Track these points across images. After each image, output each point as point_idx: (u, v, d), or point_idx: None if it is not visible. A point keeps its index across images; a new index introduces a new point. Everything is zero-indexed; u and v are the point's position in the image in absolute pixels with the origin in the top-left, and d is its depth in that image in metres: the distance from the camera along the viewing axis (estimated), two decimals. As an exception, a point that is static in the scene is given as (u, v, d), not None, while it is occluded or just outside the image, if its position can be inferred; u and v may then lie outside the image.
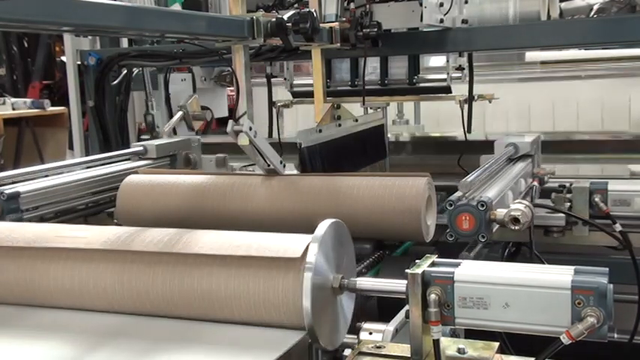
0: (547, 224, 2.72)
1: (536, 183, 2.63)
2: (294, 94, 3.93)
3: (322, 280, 1.47)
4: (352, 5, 2.93)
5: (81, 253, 1.66)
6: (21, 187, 2.45)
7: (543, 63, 4.34)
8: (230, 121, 2.15)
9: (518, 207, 1.90)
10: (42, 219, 2.52)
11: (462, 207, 1.89)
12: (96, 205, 2.80)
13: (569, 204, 2.66)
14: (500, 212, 1.91)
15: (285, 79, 3.88)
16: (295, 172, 2.72)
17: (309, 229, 1.50)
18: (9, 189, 2.39)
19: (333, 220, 1.52)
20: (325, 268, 1.47)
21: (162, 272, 1.58)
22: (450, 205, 1.90)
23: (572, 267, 1.36)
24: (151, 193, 2.52)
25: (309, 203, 2.28)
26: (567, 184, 2.74)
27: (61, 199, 2.60)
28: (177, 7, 3.61)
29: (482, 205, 1.88)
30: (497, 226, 1.97)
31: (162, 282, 1.57)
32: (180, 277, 1.56)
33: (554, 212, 2.67)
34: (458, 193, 1.99)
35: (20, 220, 2.36)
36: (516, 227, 1.89)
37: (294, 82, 3.92)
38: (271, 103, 3.92)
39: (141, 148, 3.12)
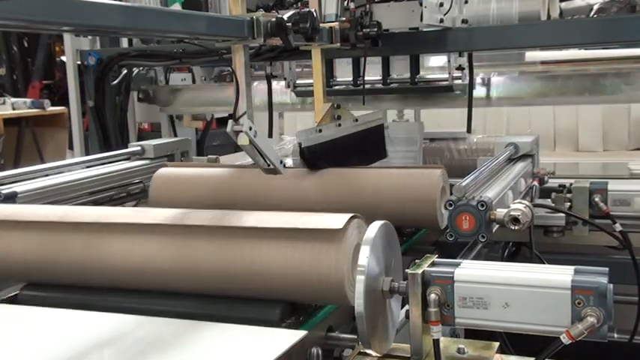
0: (547, 224, 2.72)
1: (536, 183, 2.63)
2: (297, 94, 3.92)
3: (373, 283, 1.43)
4: (352, 5, 2.92)
5: (140, 227, 1.81)
6: (18, 187, 2.45)
7: (543, 63, 4.34)
8: (230, 121, 2.15)
9: (518, 207, 1.90)
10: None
11: (462, 207, 1.89)
12: (94, 205, 2.80)
13: (569, 204, 2.66)
14: (500, 212, 1.91)
15: (284, 78, 3.87)
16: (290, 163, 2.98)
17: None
18: (6, 189, 2.39)
19: (383, 222, 1.49)
20: (376, 271, 1.45)
21: (217, 244, 1.71)
22: (450, 205, 1.90)
23: (572, 267, 1.36)
24: (181, 185, 2.61)
25: (331, 194, 2.38)
26: (567, 184, 2.74)
27: (59, 199, 2.60)
28: (177, 7, 3.60)
29: (483, 205, 1.87)
30: (497, 226, 1.97)
31: (217, 253, 1.70)
32: (233, 250, 1.69)
33: (554, 212, 2.67)
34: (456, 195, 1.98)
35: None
36: (516, 227, 1.89)
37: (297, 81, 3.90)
38: (271, 103, 3.91)
39: (138, 148, 3.13)
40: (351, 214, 1.62)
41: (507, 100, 3.53)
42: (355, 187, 2.41)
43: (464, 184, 1.95)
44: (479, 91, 3.51)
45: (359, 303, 1.37)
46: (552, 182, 2.77)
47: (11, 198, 2.37)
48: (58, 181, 2.63)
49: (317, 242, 1.60)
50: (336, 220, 1.60)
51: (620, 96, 3.29)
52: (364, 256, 1.40)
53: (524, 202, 1.94)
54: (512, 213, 1.89)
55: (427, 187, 2.28)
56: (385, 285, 1.47)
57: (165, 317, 1.63)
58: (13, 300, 1.91)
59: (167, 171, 2.70)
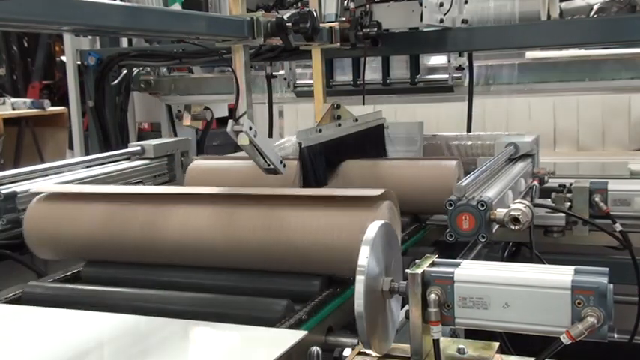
0: (547, 224, 2.72)
1: (536, 183, 2.63)
2: (297, 94, 3.92)
3: (374, 283, 1.43)
4: (352, 5, 2.92)
5: (195, 198, 2.04)
6: (18, 187, 2.45)
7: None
8: (230, 121, 2.15)
9: (518, 207, 1.90)
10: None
11: (462, 207, 1.89)
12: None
13: (569, 204, 2.66)
14: (500, 212, 1.91)
15: (285, 78, 3.88)
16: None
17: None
18: (6, 189, 2.39)
19: (383, 222, 1.49)
20: (376, 271, 1.44)
21: (261, 219, 1.91)
22: (450, 205, 1.90)
23: (572, 267, 1.36)
24: (215, 177, 2.69)
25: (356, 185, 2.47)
26: (567, 184, 2.74)
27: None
28: (177, 7, 3.60)
29: (483, 205, 1.87)
30: (497, 226, 1.97)
31: (261, 228, 1.89)
32: (276, 222, 1.89)
33: (554, 212, 2.67)
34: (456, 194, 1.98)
35: (17, 220, 2.37)
36: (516, 227, 1.89)
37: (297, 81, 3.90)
38: (271, 104, 3.91)
39: (138, 148, 3.13)
40: (384, 189, 1.86)
41: (507, 87, 3.52)
42: (380, 176, 2.62)
43: (464, 184, 1.95)
44: (478, 80, 3.50)
45: (359, 303, 1.37)
46: (552, 182, 2.77)
47: (11, 198, 2.37)
48: (58, 181, 2.62)
49: (356, 210, 1.84)
50: (372, 191, 1.86)
51: (620, 82, 3.30)
52: (364, 256, 1.40)
53: (524, 202, 1.94)
54: (512, 213, 1.89)
55: (445, 176, 2.50)
56: (385, 285, 1.46)
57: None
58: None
59: (201, 163, 2.81)
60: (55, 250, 2.15)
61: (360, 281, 1.38)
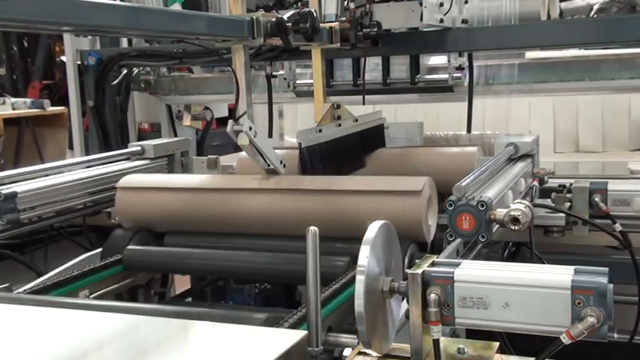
0: (547, 224, 2.72)
1: (536, 183, 2.63)
2: (297, 94, 3.92)
3: (374, 283, 1.43)
4: (352, 5, 2.92)
5: (259, 192, 2.36)
6: (18, 187, 2.45)
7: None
8: (230, 121, 2.16)
9: (518, 207, 1.90)
10: (40, 219, 2.52)
11: (462, 207, 1.88)
12: (95, 205, 2.80)
13: (569, 204, 2.66)
14: (500, 212, 1.91)
15: (285, 78, 3.87)
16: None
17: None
18: (6, 189, 2.39)
19: (383, 221, 1.49)
20: (377, 271, 1.44)
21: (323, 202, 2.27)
22: (450, 205, 1.89)
23: (572, 267, 1.36)
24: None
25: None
26: (567, 184, 2.74)
27: (59, 199, 2.60)
28: (177, 7, 3.61)
29: (483, 205, 1.87)
30: (497, 226, 1.97)
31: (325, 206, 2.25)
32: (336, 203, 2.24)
33: (554, 212, 2.66)
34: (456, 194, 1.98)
35: (17, 221, 2.37)
36: (516, 227, 1.88)
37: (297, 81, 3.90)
38: (271, 104, 3.91)
39: (138, 148, 3.12)
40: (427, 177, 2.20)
41: (507, 87, 3.52)
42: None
43: (464, 184, 1.94)
44: (478, 80, 3.50)
45: (359, 303, 1.37)
46: (552, 182, 2.77)
47: (11, 198, 2.37)
48: (58, 181, 2.62)
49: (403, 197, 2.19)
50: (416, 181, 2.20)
51: (620, 82, 3.30)
52: (364, 256, 1.40)
53: (524, 202, 1.94)
54: (512, 213, 1.88)
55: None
56: (385, 285, 1.46)
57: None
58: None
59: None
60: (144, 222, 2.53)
61: (360, 281, 1.38)
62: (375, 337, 1.43)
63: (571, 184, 2.71)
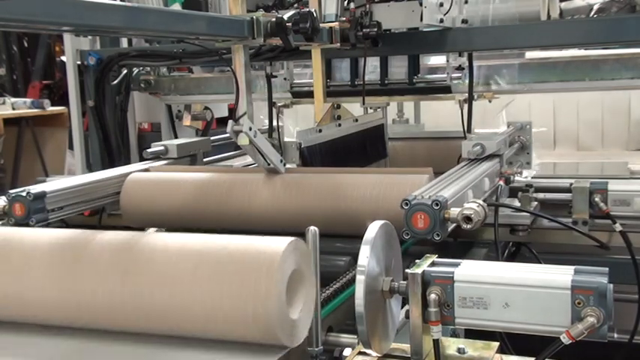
0: (513, 222, 2.70)
1: (501, 182, 2.63)
2: (294, 94, 3.92)
3: (374, 283, 1.43)
4: (352, 5, 2.92)
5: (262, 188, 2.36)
6: (47, 187, 2.45)
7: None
8: (230, 121, 2.16)
9: (472, 206, 1.91)
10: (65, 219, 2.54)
11: (417, 206, 1.90)
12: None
13: (535, 203, 2.66)
14: (454, 211, 1.92)
15: (285, 78, 3.87)
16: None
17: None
18: (35, 189, 2.38)
19: (383, 221, 1.49)
20: (377, 271, 1.45)
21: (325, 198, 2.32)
22: (406, 204, 1.91)
23: (572, 267, 1.36)
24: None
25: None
26: (568, 184, 2.74)
27: (87, 199, 2.60)
28: (177, 7, 3.60)
29: (437, 204, 1.89)
30: (453, 225, 1.97)
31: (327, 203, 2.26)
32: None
33: (518, 211, 2.66)
34: (414, 193, 1.99)
35: (46, 219, 2.37)
36: (468, 226, 1.89)
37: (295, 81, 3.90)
38: (271, 103, 3.91)
39: (162, 148, 3.11)
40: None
41: (507, 87, 3.52)
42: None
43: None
44: (478, 80, 3.50)
45: (359, 303, 1.37)
46: (520, 181, 2.78)
47: (40, 198, 2.36)
48: (85, 181, 2.63)
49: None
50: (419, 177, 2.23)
51: (620, 82, 3.30)
52: (364, 256, 1.40)
53: (478, 201, 1.95)
54: (464, 212, 1.90)
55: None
56: (385, 285, 1.47)
57: None
58: None
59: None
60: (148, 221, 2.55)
61: (360, 281, 1.37)
62: (374, 337, 1.43)
63: (571, 184, 2.71)
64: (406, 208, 1.90)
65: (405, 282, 1.45)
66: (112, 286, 1.48)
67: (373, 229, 1.45)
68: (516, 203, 2.65)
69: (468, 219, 1.89)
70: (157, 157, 3.10)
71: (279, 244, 1.42)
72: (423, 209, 1.88)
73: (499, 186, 2.58)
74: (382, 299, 1.47)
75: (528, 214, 2.61)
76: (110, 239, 1.58)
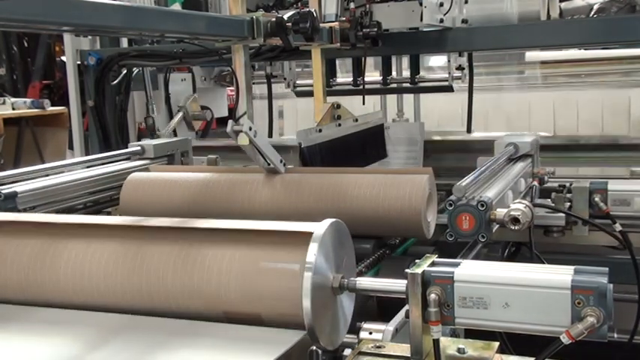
0: (547, 224, 2.71)
1: (536, 183, 2.63)
2: (297, 94, 3.92)
3: (322, 279, 1.47)
4: (352, 5, 2.93)
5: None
6: (18, 187, 2.44)
7: (543, 63, 4.35)
8: (230, 121, 2.15)
9: (518, 207, 1.90)
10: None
11: (462, 207, 1.88)
12: (95, 205, 2.80)
13: (569, 204, 2.66)
14: (500, 212, 1.91)
15: (284, 78, 3.88)
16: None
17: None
18: (6, 189, 2.39)
19: (333, 219, 1.52)
20: (325, 267, 1.48)
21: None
22: (450, 205, 1.90)
23: (572, 267, 1.36)
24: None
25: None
26: (567, 184, 2.74)
27: (59, 199, 2.60)
28: (177, 7, 3.60)
29: (483, 205, 1.87)
30: (497, 226, 1.97)
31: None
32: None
33: (554, 212, 2.66)
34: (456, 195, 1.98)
35: (17, 220, 2.36)
36: (516, 227, 1.89)
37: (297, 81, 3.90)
38: (271, 104, 3.91)
39: (138, 147, 3.12)
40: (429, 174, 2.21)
41: (507, 87, 3.53)
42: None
43: (464, 184, 1.95)
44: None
45: (306, 299, 1.41)
46: (552, 182, 2.77)
47: (11, 198, 2.37)
48: (58, 181, 2.62)
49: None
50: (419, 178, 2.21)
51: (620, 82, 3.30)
52: (312, 253, 1.43)
53: (524, 202, 1.94)
54: (512, 213, 1.88)
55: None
56: (335, 282, 1.50)
57: None
58: None
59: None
60: None
61: (307, 278, 1.42)
62: (323, 331, 1.46)
63: (571, 184, 2.71)
64: (450, 209, 1.89)
65: (355, 279, 1.52)
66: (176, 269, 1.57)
67: (322, 227, 1.48)
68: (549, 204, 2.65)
69: (515, 220, 1.88)
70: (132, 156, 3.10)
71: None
72: (468, 210, 1.87)
73: (533, 186, 2.58)
74: (332, 295, 1.51)
75: (563, 214, 2.60)
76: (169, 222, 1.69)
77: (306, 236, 1.47)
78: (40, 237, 1.72)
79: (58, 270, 1.67)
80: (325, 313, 1.49)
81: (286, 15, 2.16)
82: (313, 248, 1.44)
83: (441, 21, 2.96)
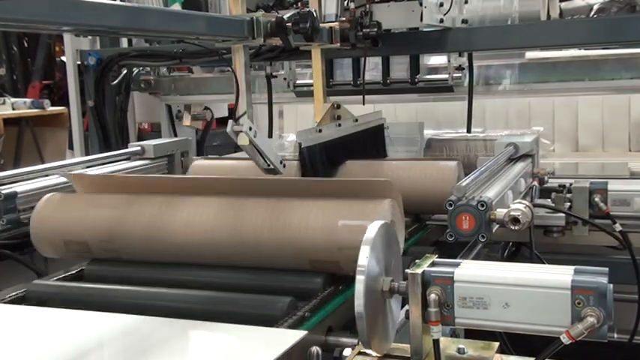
0: (547, 224, 2.72)
1: (536, 183, 2.62)
2: (297, 94, 3.92)
3: (373, 283, 1.43)
4: (352, 5, 2.92)
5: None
6: (18, 187, 2.45)
7: (543, 63, 4.33)
8: (230, 121, 2.15)
9: (518, 207, 1.90)
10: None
11: (462, 207, 1.88)
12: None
13: (569, 204, 2.66)
14: (500, 212, 1.91)
15: (285, 78, 3.87)
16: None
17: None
18: (6, 189, 2.39)
19: (382, 222, 1.49)
20: (376, 271, 1.44)
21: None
22: (450, 205, 1.89)
23: (572, 267, 1.36)
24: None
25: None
26: (567, 184, 2.74)
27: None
28: (177, 7, 3.60)
29: (483, 205, 1.87)
30: (497, 226, 1.96)
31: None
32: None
33: (554, 212, 2.66)
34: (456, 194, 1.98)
35: (17, 220, 2.36)
36: (516, 227, 1.88)
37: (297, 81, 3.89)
38: (271, 104, 3.91)
39: (138, 147, 3.12)
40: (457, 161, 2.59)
41: (507, 87, 3.52)
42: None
43: (464, 184, 1.95)
44: (478, 80, 3.50)
45: (359, 303, 1.37)
46: (552, 182, 2.77)
47: (11, 198, 2.37)
48: (58, 181, 2.62)
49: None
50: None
51: (620, 82, 3.30)
52: (364, 256, 1.40)
53: (524, 202, 1.94)
54: (512, 213, 1.88)
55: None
56: (385, 285, 1.46)
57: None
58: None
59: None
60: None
61: (360, 281, 1.37)
62: (374, 337, 1.43)
63: (571, 184, 2.71)
64: (450, 209, 1.88)
65: (404, 282, 1.45)
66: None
67: (373, 230, 1.45)
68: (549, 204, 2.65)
69: (515, 220, 1.87)
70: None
71: None
72: (468, 210, 1.87)
73: (534, 186, 2.58)
74: (382, 299, 1.47)
75: (563, 214, 2.60)
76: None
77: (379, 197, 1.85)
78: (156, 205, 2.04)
79: (174, 227, 1.98)
80: (376, 317, 1.44)
81: (286, 15, 2.16)
82: (365, 251, 1.40)
83: (441, 21, 2.96)
